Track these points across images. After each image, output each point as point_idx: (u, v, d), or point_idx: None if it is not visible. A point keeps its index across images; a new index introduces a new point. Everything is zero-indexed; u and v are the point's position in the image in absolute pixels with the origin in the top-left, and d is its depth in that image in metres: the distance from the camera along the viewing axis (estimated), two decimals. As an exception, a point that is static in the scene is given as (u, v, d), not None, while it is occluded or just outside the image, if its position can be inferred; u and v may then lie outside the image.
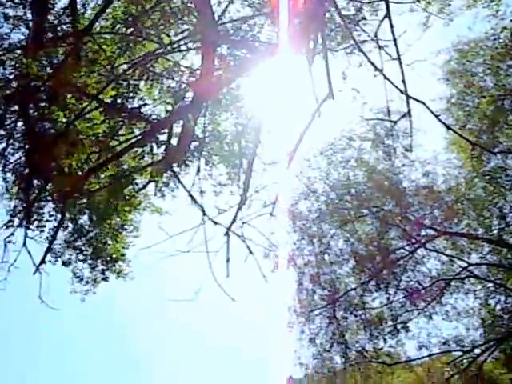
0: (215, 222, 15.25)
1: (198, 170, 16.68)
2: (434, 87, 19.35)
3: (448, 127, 15.70)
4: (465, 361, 20.82)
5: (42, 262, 16.02)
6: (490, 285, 20.31)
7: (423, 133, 18.09)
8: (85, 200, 17.54)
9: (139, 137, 16.53)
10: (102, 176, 16.96)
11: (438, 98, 19.61)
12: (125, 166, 17.51)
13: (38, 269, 15.78)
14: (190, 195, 16.06)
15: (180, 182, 16.76)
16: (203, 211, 15.55)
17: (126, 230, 18.33)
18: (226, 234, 15.02)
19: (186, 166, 16.91)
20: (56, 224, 16.92)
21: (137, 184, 17.92)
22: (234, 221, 15.08)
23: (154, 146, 16.95)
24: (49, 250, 16.57)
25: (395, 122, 14.72)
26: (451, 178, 19.49)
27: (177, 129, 16.10)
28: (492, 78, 19.00)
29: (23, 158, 16.13)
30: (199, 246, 14.32)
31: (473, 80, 19.11)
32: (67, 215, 17.35)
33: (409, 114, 13.21)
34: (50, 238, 16.61)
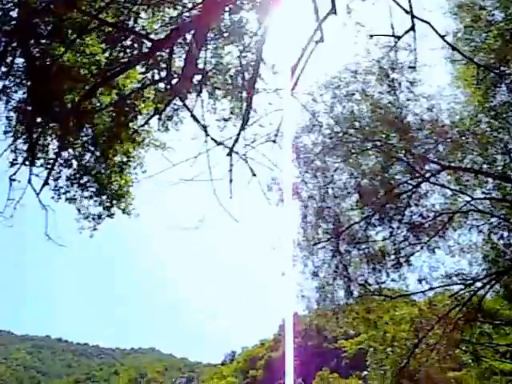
0: (218, 143, 15.35)
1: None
2: (440, 21, 18.87)
3: (453, 48, 15.54)
4: (466, 294, 21.06)
5: (45, 184, 16.39)
6: (494, 220, 20.34)
7: (428, 68, 17.85)
8: (88, 135, 17.61)
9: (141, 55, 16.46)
10: (104, 105, 17.00)
11: (445, 31, 19.17)
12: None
13: (41, 190, 16.22)
14: (193, 115, 16.00)
15: (184, 104, 16.59)
16: (206, 131, 15.64)
17: (130, 166, 18.39)
18: (229, 154, 15.17)
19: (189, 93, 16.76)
20: (61, 162, 17.19)
21: (140, 113, 17.87)
22: (236, 140, 15.16)
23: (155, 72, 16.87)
24: (49, 173, 16.78)
25: (399, 38, 14.42)
26: (456, 113, 19.23)
27: (180, 62, 16.04)
28: (501, 11, 18.47)
29: (26, 96, 16.18)
30: (203, 173, 14.50)
31: (480, 14, 18.57)
32: (71, 152, 17.49)
33: (413, 29, 12.98)
34: (51, 165, 16.87)
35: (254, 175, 15.21)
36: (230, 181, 14.59)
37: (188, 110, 16.18)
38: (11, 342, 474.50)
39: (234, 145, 14.99)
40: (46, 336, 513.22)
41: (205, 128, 15.46)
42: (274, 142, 15.41)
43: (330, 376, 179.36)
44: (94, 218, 17.95)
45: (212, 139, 15.30)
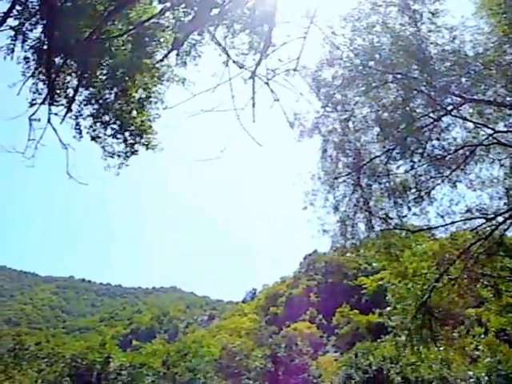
0: (240, 66, 15.25)
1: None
2: None
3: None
4: (487, 229, 20.96)
5: (63, 119, 16.46)
6: (516, 153, 20.09)
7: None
8: (107, 71, 17.52)
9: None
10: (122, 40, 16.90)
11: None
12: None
13: (63, 120, 16.30)
14: (214, 38, 15.87)
15: (204, 31, 16.42)
16: (227, 54, 15.53)
17: (150, 102, 18.34)
18: (251, 77, 15.07)
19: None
20: (81, 100, 17.19)
21: (160, 44, 17.71)
22: (258, 63, 15.08)
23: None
24: (68, 110, 16.80)
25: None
26: (480, 44, 18.72)
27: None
28: None
29: (42, 34, 16.05)
30: (224, 103, 14.44)
31: None
32: (91, 90, 17.43)
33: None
34: (70, 103, 16.90)
35: (277, 100, 15.22)
36: (253, 105, 14.61)
37: (208, 32, 16.08)
38: (36, 283, 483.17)
39: (256, 68, 14.93)
40: (70, 276, 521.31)
41: (226, 51, 15.36)
42: (295, 70, 15.34)
43: (350, 312, 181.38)
44: (119, 156, 18.04)
45: (234, 62, 15.24)
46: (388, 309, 29.61)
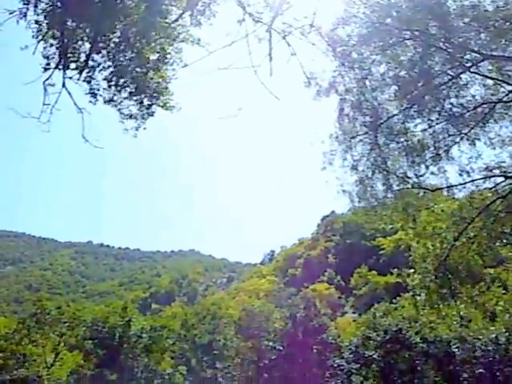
0: (256, 20, 15.11)
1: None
2: None
3: None
4: (507, 187, 20.76)
5: (82, 74, 16.45)
6: (536, 110, 19.79)
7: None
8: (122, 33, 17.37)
9: None
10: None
11: None
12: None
13: (81, 76, 16.29)
14: None
15: None
16: (243, 7, 15.38)
17: (166, 63, 18.21)
18: (268, 30, 14.95)
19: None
20: (96, 64, 17.10)
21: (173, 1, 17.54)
22: (274, 18, 14.95)
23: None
24: (81, 73, 16.74)
25: None
26: (500, -2, 18.34)
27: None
28: None
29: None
30: (241, 59, 14.35)
31: None
32: (105, 53, 17.32)
33: None
34: (83, 66, 16.84)
35: (294, 54, 15.11)
36: (270, 59, 14.52)
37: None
38: (55, 248, 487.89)
39: (272, 22, 14.77)
40: (88, 242, 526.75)
41: (242, 5, 15.19)
42: (311, 26, 15.16)
43: (368, 273, 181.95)
44: (136, 118, 18.00)
45: (250, 15, 15.06)
46: (409, 270, 29.53)
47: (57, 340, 64.98)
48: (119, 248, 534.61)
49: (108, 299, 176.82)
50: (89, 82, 17.01)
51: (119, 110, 17.86)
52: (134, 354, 59.71)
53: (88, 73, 17.00)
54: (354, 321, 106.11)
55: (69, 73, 16.53)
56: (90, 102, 17.14)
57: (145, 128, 18.18)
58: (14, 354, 56.98)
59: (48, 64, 16.22)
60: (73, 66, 16.77)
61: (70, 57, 16.64)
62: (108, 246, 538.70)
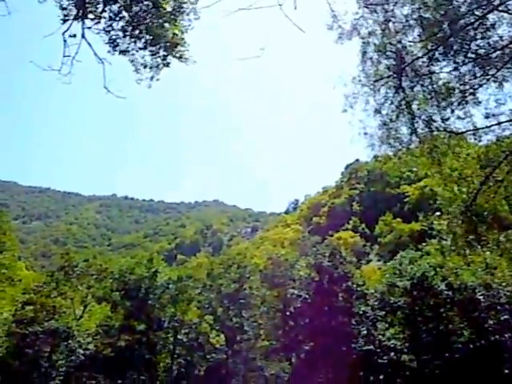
0: None
1: None
2: None
3: None
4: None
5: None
6: None
7: None
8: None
9: None
10: None
11: None
12: None
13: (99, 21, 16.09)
14: None
15: None
16: None
17: (182, 13, 17.86)
18: None
19: None
20: (112, 15, 16.84)
21: None
22: None
23: None
24: (98, 22, 16.54)
25: None
26: None
27: None
28: None
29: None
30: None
31: None
32: (121, 2, 17.04)
33: None
34: (99, 16, 16.59)
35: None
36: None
37: None
38: (80, 202, 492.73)
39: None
40: (113, 195, 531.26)
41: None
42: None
43: (393, 221, 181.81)
44: (150, 68, 17.78)
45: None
46: (435, 215, 29.21)
47: (85, 292, 65.82)
48: (143, 200, 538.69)
49: (133, 251, 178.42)
50: (108, 32, 16.78)
51: (134, 60, 17.66)
52: (160, 304, 60.31)
53: (107, 23, 16.76)
54: (379, 268, 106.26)
55: (88, 23, 16.28)
56: (109, 52, 16.97)
57: (158, 79, 17.98)
58: (44, 306, 57.83)
59: (66, 15, 15.98)
60: (91, 16, 16.49)
61: (87, 7, 16.36)
62: (132, 198, 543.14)
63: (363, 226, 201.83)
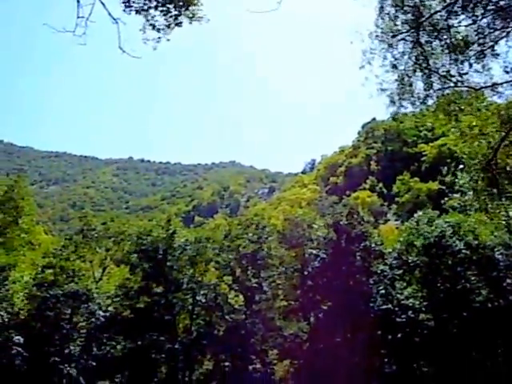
0: None
1: None
2: None
3: None
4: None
5: None
6: None
7: None
8: None
9: None
10: None
11: None
12: None
13: None
14: None
15: None
16: None
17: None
18: None
19: None
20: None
21: None
22: None
23: None
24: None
25: None
26: None
27: None
28: None
29: None
30: None
31: None
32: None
33: None
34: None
35: None
36: None
37: None
38: (97, 166, 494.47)
39: None
40: (129, 158, 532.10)
41: None
42: None
43: (410, 180, 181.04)
44: (160, 29, 17.50)
45: None
46: (455, 169, 28.98)
47: (103, 255, 66.33)
48: (160, 163, 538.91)
49: (151, 214, 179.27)
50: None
51: (147, 20, 17.37)
52: (178, 265, 60.48)
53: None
54: (397, 228, 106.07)
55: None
56: (124, 11, 16.71)
57: (168, 40, 17.66)
58: (64, 269, 58.30)
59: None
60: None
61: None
62: (149, 161, 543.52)
63: (380, 185, 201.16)
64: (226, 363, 59.29)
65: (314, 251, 61.36)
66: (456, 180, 29.22)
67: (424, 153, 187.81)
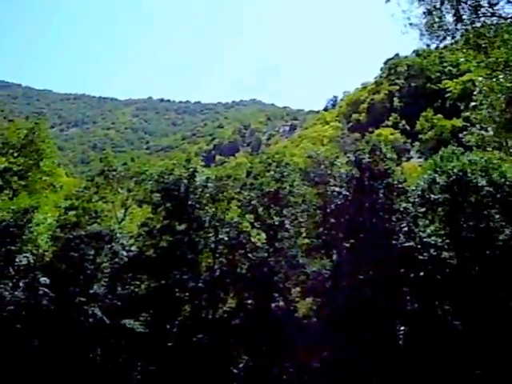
0: None
1: None
2: None
3: None
4: None
5: None
6: None
7: None
8: None
9: None
10: None
11: None
12: None
13: None
14: None
15: None
16: None
17: None
18: None
19: None
20: None
21: None
22: None
23: None
24: None
25: None
26: None
27: None
28: None
29: None
30: None
31: None
32: None
33: None
34: None
35: None
36: None
37: None
38: (116, 107, 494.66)
39: None
40: (149, 98, 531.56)
41: None
42: None
43: (434, 117, 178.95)
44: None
45: None
46: (473, 104, 28.15)
47: (125, 195, 66.36)
48: (180, 102, 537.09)
49: (172, 154, 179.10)
50: None
51: None
52: (200, 204, 60.28)
53: None
54: (420, 165, 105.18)
55: None
56: None
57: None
58: (86, 211, 58.47)
59: None
60: None
61: None
62: (168, 100, 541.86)
63: (403, 122, 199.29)
64: (249, 301, 59.59)
65: (337, 189, 61.03)
66: (475, 115, 28.45)
67: (448, 89, 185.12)
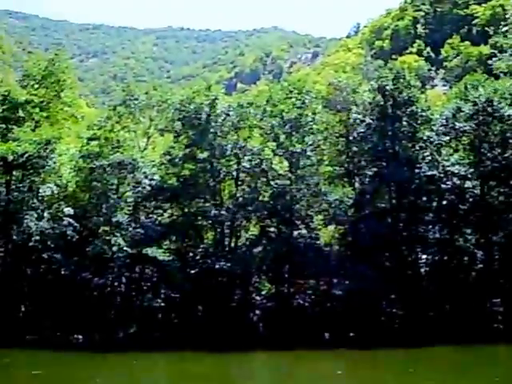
0: None
1: None
2: None
3: None
4: None
5: None
6: None
7: None
8: None
9: None
10: None
11: None
12: None
13: None
14: None
15: None
16: None
17: None
18: None
19: None
20: None
21: None
22: None
23: None
24: None
25: None
26: None
27: None
28: None
29: None
30: None
31: None
32: None
33: None
34: None
35: None
36: None
37: None
38: (136, 36, 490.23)
39: None
40: (168, 26, 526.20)
41: None
42: None
43: (460, 44, 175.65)
44: None
45: None
46: (504, 29, 27.42)
47: (147, 124, 66.26)
48: (200, 30, 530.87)
49: (193, 82, 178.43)
50: None
51: None
52: (222, 131, 59.99)
53: None
54: (445, 93, 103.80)
55: None
56: None
57: None
58: (108, 140, 58.44)
59: None
60: None
61: None
62: (188, 28, 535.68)
63: (428, 49, 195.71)
64: (272, 229, 59.86)
65: (360, 116, 60.49)
66: (507, 40, 27.73)
67: (476, 14, 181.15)
